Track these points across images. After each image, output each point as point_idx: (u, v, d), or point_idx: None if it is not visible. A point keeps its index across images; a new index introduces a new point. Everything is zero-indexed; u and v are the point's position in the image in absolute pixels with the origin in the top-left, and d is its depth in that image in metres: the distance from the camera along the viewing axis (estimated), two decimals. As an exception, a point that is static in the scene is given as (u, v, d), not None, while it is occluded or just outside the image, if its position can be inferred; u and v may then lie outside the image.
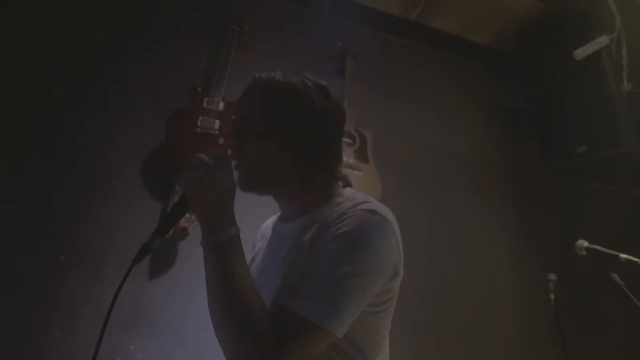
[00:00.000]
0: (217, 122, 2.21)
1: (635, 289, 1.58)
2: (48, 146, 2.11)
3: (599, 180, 2.97)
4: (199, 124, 2.18)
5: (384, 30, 2.99)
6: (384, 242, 0.89)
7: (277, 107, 0.96)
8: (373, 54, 2.87)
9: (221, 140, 2.20)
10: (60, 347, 1.82)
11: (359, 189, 2.09)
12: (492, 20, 2.92)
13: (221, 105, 2.27)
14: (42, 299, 1.87)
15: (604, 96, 2.44)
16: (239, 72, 2.41)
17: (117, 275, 1.86)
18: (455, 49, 3.12)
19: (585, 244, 1.74)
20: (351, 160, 2.40)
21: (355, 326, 0.86)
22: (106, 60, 2.33)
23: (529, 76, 2.97)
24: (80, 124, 2.18)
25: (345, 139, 2.39)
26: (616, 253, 1.62)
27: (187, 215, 2.08)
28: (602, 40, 2.44)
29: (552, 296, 2.01)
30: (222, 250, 0.85)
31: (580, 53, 2.51)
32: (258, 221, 1.26)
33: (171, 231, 2.01)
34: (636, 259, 1.55)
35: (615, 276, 1.62)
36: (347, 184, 1.96)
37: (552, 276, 2.06)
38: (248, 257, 1.02)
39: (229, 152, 1.05)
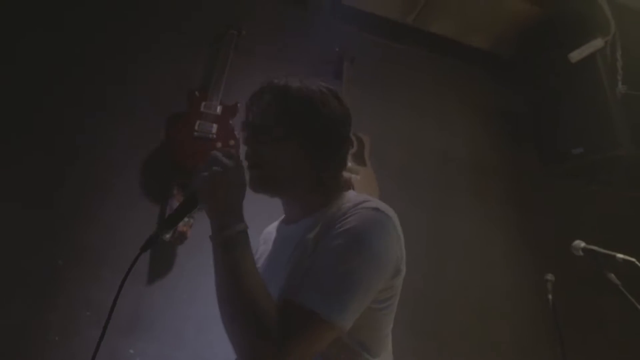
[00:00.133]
0: (215, 126, 2.22)
1: (632, 288, 1.59)
2: (48, 146, 2.11)
3: (596, 182, 2.98)
4: (196, 128, 2.19)
5: (383, 34, 3.02)
6: (386, 238, 0.91)
7: (296, 111, 0.99)
8: (371, 58, 2.89)
9: (219, 144, 2.21)
10: (59, 350, 1.82)
11: (357, 192, 2.10)
12: (489, 23, 2.95)
13: (219, 109, 2.27)
14: (42, 300, 1.87)
15: (599, 98, 2.47)
16: (236, 76, 2.43)
17: (116, 276, 1.88)
18: (453, 53, 3.14)
19: (582, 244, 1.75)
20: (349, 164, 2.42)
21: (360, 323, 0.86)
22: (106, 61, 2.34)
23: (527, 79, 3.00)
24: (80, 124, 2.18)
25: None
26: (612, 253, 1.64)
27: (186, 219, 2.09)
28: (597, 43, 2.47)
29: (550, 296, 2.02)
30: (230, 245, 0.87)
31: (576, 56, 2.54)
32: (257, 225, 1.27)
33: (169, 235, 2.03)
34: (632, 259, 1.57)
35: (612, 276, 1.63)
36: (350, 186, 1.97)
37: (549, 276, 2.07)
38: None
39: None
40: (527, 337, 2.56)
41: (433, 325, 2.42)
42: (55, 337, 1.83)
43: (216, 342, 1.98)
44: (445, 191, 2.80)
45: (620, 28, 2.54)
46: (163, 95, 2.33)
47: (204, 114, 2.24)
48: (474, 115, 3.10)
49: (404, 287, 1.00)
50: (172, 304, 2.02)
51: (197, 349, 1.97)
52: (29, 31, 2.25)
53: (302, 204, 1.04)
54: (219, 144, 2.21)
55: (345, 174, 2.36)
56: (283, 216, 1.16)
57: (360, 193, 1.07)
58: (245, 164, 0.98)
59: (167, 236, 2.03)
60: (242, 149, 2.34)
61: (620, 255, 1.60)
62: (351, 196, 1.03)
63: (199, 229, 2.10)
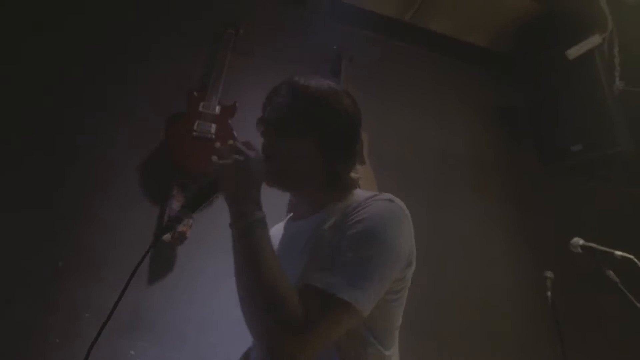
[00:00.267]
0: (214, 126, 2.22)
1: (631, 285, 1.60)
2: (48, 146, 2.11)
3: (595, 179, 2.99)
4: (195, 128, 2.19)
5: (382, 33, 3.02)
6: (401, 229, 0.94)
7: (314, 110, 1.02)
8: (370, 57, 2.90)
9: (218, 144, 2.21)
10: (59, 352, 1.82)
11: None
12: (487, 20, 2.96)
13: (217, 109, 2.27)
14: (42, 301, 1.87)
15: (597, 95, 2.48)
16: (235, 76, 2.43)
17: (117, 277, 1.88)
18: (452, 51, 3.15)
19: (581, 241, 1.76)
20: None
21: (374, 313, 0.88)
22: (106, 61, 2.34)
23: (525, 77, 3.00)
24: (80, 124, 2.18)
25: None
26: (611, 250, 1.64)
27: (186, 220, 2.09)
28: (594, 40, 2.48)
29: (549, 294, 2.03)
30: (251, 231, 0.88)
31: (573, 52, 2.54)
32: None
33: (169, 235, 2.03)
34: (631, 256, 1.57)
35: (611, 273, 1.64)
36: (357, 184, 1.97)
37: (549, 274, 2.08)
38: None
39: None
40: (527, 335, 2.56)
41: (433, 325, 2.42)
42: (55, 339, 1.83)
43: (217, 343, 1.99)
44: (444, 189, 2.80)
45: (618, 24, 2.54)
46: (163, 96, 2.33)
47: (202, 114, 2.24)
48: (473, 113, 3.11)
49: (404, 286, 1.00)
50: (173, 304, 2.02)
51: (198, 349, 1.98)
52: (30, 32, 2.25)
53: (312, 201, 1.07)
54: (217, 144, 2.20)
55: (352, 174, 2.36)
56: (290, 215, 1.18)
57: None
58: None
59: (167, 236, 2.04)
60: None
61: (618, 253, 1.61)
62: (360, 193, 1.06)
63: (198, 229, 2.10)
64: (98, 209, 2.08)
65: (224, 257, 2.12)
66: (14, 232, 1.92)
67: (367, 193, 1.02)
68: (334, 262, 0.87)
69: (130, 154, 2.21)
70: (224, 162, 0.92)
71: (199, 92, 2.32)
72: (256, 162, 0.93)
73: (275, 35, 2.73)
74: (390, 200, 0.97)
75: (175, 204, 2.11)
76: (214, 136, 2.20)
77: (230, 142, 0.96)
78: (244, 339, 1.10)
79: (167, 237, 2.00)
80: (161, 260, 2.09)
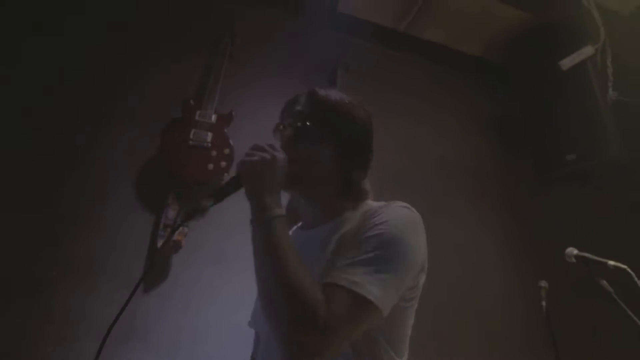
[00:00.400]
0: (210, 135, 2.23)
1: (625, 294, 1.60)
2: (47, 149, 2.11)
3: (589, 188, 3.01)
4: (191, 136, 2.20)
5: (377, 42, 3.04)
6: (418, 234, 0.98)
7: (332, 117, 1.07)
8: (365, 66, 2.91)
9: (214, 153, 2.21)
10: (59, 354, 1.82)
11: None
12: (481, 31, 2.98)
13: (213, 117, 2.28)
14: (37, 310, 1.86)
15: (590, 105, 2.50)
16: (231, 84, 2.43)
17: (111, 285, 1.88)
18: (447, 60, 3.17)
19: (575, 251, 1.76)
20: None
21: (389, 319, 0.89)
22: (106, 64, 2.35)
23: (520, 86, 3.02)
24: (79, 131, 2.18)
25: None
26: (604, 260, 1.65)
27: (181, 228, 2.09)
28: (587, 51, 2.50)
29: (543, 303, 2.03)
30: (272, 225, 0.89)
31: (567, 63, 2.57)
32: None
33: (165, 242, 2.03)
34: (624, 266, 1.58)
35: (605, 283, 1.64)
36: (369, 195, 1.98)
37: (543, 283, 2.08)
38: None
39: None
40: (522, 345, 2.56)
41: (428, 333, 2.41)
42: (50, 347, 1.82)
43: (212, 351, 1.98)
44: (440, 197, 2.81)
45: (610, 35, 2.57)
46: (162, 103, 2.34)
47: (199, 123, 2.25)
48: (469, 122, 3.12)
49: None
50: (167, 313, 2.02)
51: (193, 358, 1.97)
52: (30, 32, 2.26)
53: (326, 208, 1.08)
54: (213, 153, 2.21)
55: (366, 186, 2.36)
56: (298, 224, 1.19)
57: None
58: None
59: (161, 242, 2.05)
60: (237, 157, 2.33)
61: (611, 262, 1.62)
62: (373, 202, 1.08)
63: (193, 239, 2.10)
64: (94, 217, 2.07)
65: (219, 266, 2.14)
66: (9, 240, 1.91)
67: (380, 202, 1.04)
68: (355, 262, 0.87)
69: (127, 162, 2.21)
70: (250, 159, 0.94)
71: (195, 101, 2.33)
72: (282, 162, 0.96)
73: (271, 44, 2.75)
74: (408, 207, 1.00)
75: (171, 213, 2.11)
76: (210, 145, 2.21)
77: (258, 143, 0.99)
78: (239, 348, 1.10)
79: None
80: (156, 269, 2.08)
